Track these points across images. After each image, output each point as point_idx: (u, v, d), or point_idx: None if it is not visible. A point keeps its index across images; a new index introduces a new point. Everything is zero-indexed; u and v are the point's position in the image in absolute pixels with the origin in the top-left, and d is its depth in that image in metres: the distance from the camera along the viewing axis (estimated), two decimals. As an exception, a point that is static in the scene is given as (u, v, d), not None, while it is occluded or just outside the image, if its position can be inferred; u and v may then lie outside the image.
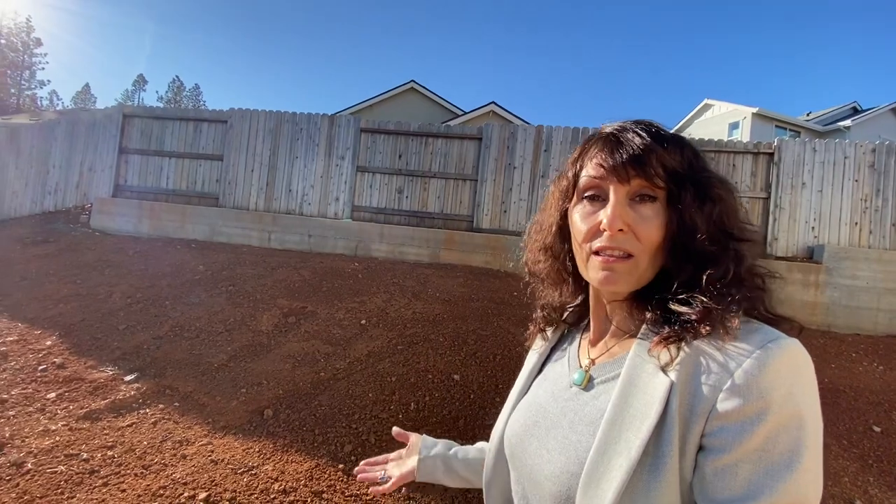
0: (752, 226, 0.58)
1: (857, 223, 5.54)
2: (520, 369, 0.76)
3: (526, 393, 0.69)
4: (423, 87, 13.34)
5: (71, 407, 2.93)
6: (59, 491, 2.19)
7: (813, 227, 5.62)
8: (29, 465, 2.34)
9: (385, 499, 2.31)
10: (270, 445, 2.65)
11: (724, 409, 0.44)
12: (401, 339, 3.99)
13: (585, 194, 0.58)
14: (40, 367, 3.36)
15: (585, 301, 0.67)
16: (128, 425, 2.78)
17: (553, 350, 0.72)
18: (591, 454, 0.49)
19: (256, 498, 2.21)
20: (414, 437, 0.88)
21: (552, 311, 0.72)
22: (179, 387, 3.23)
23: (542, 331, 0.74)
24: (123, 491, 2.20)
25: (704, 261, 0.52)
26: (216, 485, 2.27)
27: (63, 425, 2.73)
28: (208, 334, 3.98)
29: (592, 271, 0.57)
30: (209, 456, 2.51)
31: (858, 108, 21.48)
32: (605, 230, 0.54)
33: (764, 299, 0.53)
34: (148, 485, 2.24)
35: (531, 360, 0.74)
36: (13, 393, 3.04)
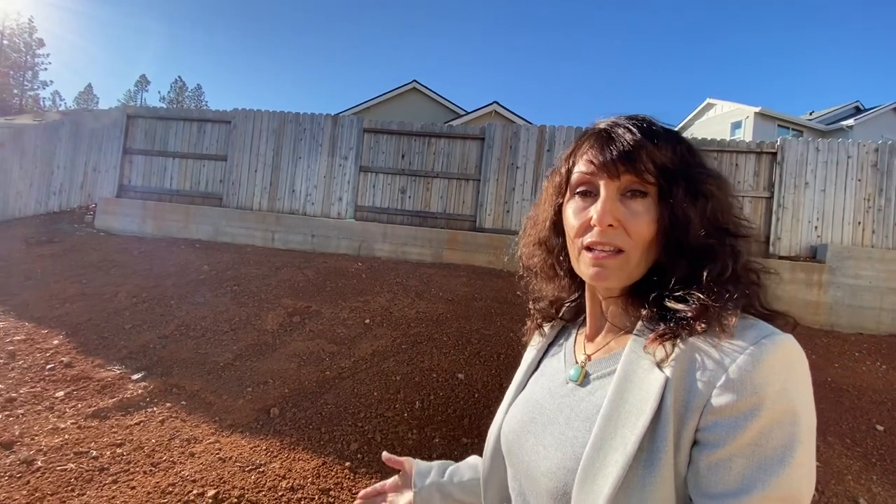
0: (748, 221, 0.58)
1: (860, 223, 5.55)
2: None
3: (523, 389, 0.69)
4: (426, 87, 13.36)
5: (79, 405, 2.96)
6: (70, 488, 2.21)
7: (816, 227, 5.62)
8: (39, 463, 2.37)
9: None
10: (277, 443, 2.67)
11: (719, 405, 0.45)
12: (405, 338, 4.02)
13: (577, 190, 0.59)
14: (48, 366, 3.39)
15: (582, 296, 0.67)
16: (136, 423, 2.81)
17: (550, 346, 0.73)
18: (587, 450, 0.50)
19: (265, 495, 2.24)
20: (407, 465, 0.82)
21: (549, 306, 0.73)
22: (186, 385, 3.25)
23: (540, 326, 0.74)
24: (133, 488, 2.23)
25: (699, 256, 0.52)
26: (224, 482, 2.29)
27: (72, 423, 2.76)
28: (214, 333, 4.01)
29: (584, 267, 0.57)
30: (217, 454, 2.54)
31: (861, 107, 21.42)
32: (595, 226, 0.55)
33: (759, 295, 0.54)
34: (157, 482, 2.27)
35: (529, 356, 0.74)
36: (22, 392, 3.07)
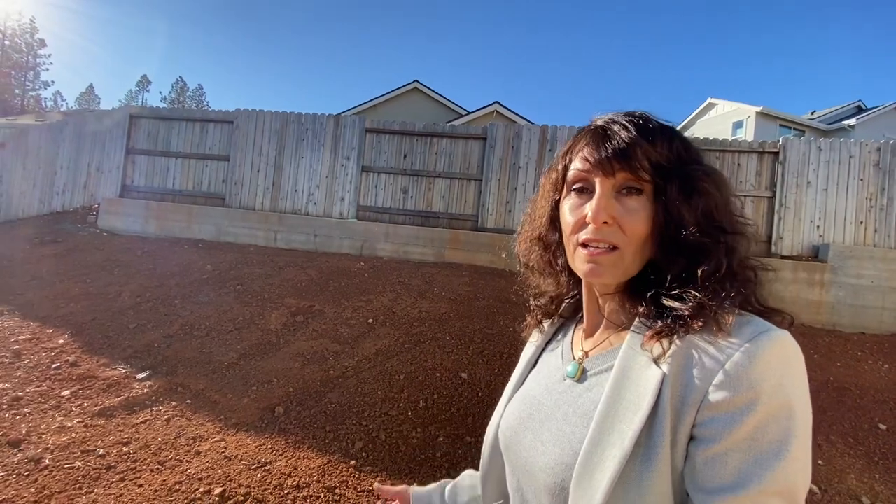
0: (745, 218, 0.58)
1: (862, 222, 5.55)
2: None
3: (521, 386, 0.69)
4: (427, 87, 13.37)
5: (85, 404, 2.98)
6: (77, 486, 2.23)
7: (818, 226, 5.63)
8: (46, 461, 2.39)
9: (397, 494, 2.35)
10: (282, 442, 2.69)
11: (715, 400, 0.45)
12: (408, 337, 4.03)
13: (574, 187, 0.59)
14: (54, 365, 3.41)
15: (580, 293, 0.67)
16: (142, 422, 2.83)
17: (548, 343, 0.73)
18: (585, 445, 0.50)
19: (271, 493, 2.25)
20: (403, 495, 0.80)
21: (549, 303, 0.73)
22: (191, 384, 3.27)
23: (540, 323, 0.75)
24: (140, 486, 2.24)
25: (695, 254, 0.52)
26: (230, 480, 2.31)
27: (78, 422, 2.78)
28: (218, 333, 4.03)
29: (579, 263, 0.58)
30: (223, 452, 2.55)
31: (863, 106, 21.41)
32: (590, 223, 0.55)
33: (756, 292, 0.54)
34: (164, 480, 2.28)
35: (527, 352, 0.74)
36: (28, 390, 3.09)
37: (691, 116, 23.09)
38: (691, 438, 0.47)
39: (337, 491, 2.33)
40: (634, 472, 0.47)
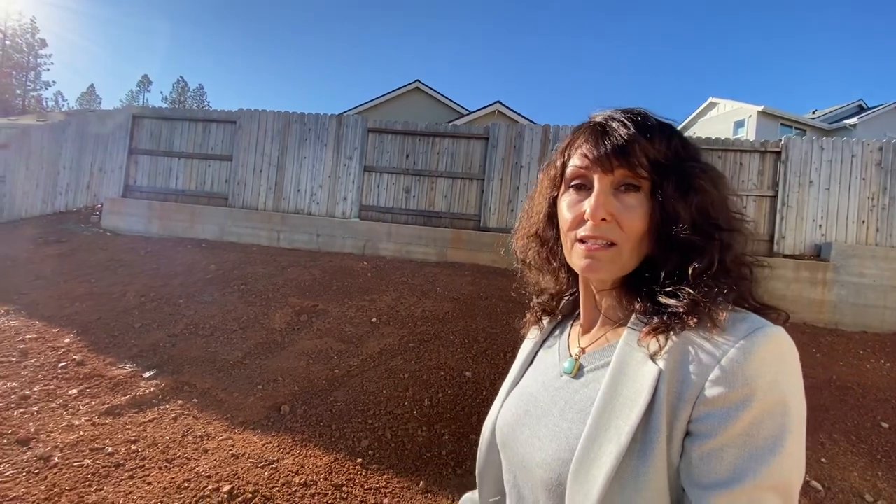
0: (742, 215, 0.58)
1: (864, 221, 5.56)
2: None
3: (518, 382, 0.70)
4: (428, 87, 13.38)
5: (93, 403, 3.00)
6: (87, 483, 2.25)
7: (820, 226, 5.63)
8: (56, 459, 2.41)
9: (404, 491, 2.37)
10: (289, 440, 2.71)
11: (711, 396, 0.45)
12: (412, 336, 4.05)
13: (572, 183, 0.59)
14: (60, 364, 3.43)
15: (578, 290, 0.67)
16: (149, 420, 2.85)
17: (545, 339, 0.73)
18: (582, 441, 0.50)
19: (278, 491, 2.27)
20: None
21: (549, 300, 0.73)
22: (197, 383, 3.29)
23: (539, 320, 0.74)
24: (149, 484, 2.26)
25: (689, 251, 0.53)
26: (238, 478, 2.33)
27: (86, 420, 2.80)
28: (223, 332, 4.05)
29: (576, 258, 0.58)
30: (230, 450, 2.57)
31: (864, 105, 21.40)
32: (588, 219, 0.55)
33: (751, 289, 0.54)
34: (173, 478, 2.30)
35: (525, 349, 0.74)
36: (35, 389, 3.11)
37: (693, 116, 23.08)
38: (687, 434, 0.47)
39: (344, 489, 2.35)
40: (631, 468, 0.47)
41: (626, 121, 0.56)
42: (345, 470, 2.49)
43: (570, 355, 0.63)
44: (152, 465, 2.42)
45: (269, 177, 7.05)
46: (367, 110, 12.99)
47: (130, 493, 2.19)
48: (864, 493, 2.72)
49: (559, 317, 0.73)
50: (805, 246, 5.65)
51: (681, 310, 0.50)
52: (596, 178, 0.56)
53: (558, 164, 0.63)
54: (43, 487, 2.20)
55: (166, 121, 7.54)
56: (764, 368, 0.45)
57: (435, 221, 6.63)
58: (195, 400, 3.11)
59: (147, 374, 3.38)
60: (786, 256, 5.59)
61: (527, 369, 0.71)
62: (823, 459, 2.97)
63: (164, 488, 2.22)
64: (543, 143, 6.42)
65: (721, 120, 21.10)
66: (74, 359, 3.52)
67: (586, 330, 0.64)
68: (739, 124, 20.04)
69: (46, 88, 42.61)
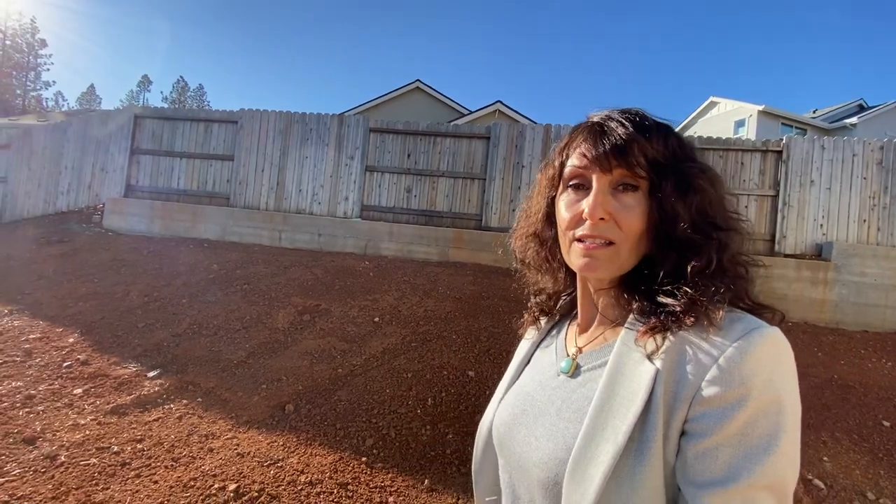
0: (738, 215, 0.58)
1: (865, 220, 5.57)
2: None
3: (515, 382, 0.69)
4: (429, 87, 13.39)
5: (98, 402, 3.01)
6: (94, 482, 2.26)
7: (821, 225, 5.64)
8: (62, 458, 2.42)
9: (409, 490, 2.38)
10: (294, 439, 2.72)
11: (707, 395, 0.45)
12: (414, 336, 4.06)
13: (570, 183, 0.59)
14: (65, 364, 3.44)
15: (576, 289, 0.67)
16: (154, 420, 2.86)
17: (542, 339, 0.73)
18: (579, 440, 0.50)
19: (284, 489, 2.28)
20: None
21: (547, 300, 0.73)
22: (201, 383, 3.30)
23: (537, 320, 0.74)
24: (156, 482, 2.27)
25: (687, 250, 0.53)
26: (244, 477, 2.34)
27: (92, 420, 2.81)
28: (226, 332, 4.06)
29: (574, 258, 0.58)
30: (235, 449, 2.59)
31: (865, 105, 21.40)
32: (586, 219, 0.55)
33: (747, 288, 0.55)
34: (179, 476, 2.32)
35: (522, 348, 0.74)
36: (40, 389, 3.12)
37: (693, 115, 23.08)
38: (683, 433, 0.47)
39: (349, 487, 2.36)
40: (627, 467, 0.47)
41: (623, 121, 0.57)
42: (350, 469, 2.50)
43: (567, 355, 0.63)
44: (158, 463, 2.43)
45: (270, 177, 7.06)
46: (367, 110, 13.00)
47: (137, 491, 2.20)
48: (867, 491, 2.74)
49: (556, 317, 0.73)
50: (806, 245, 5.66)
51: (678, 309, 0.50)
52: (594, 177, 0.56)
53: (556, 164, 0.63)
54: (50, 486, 2.21)
55: (168, 121, 7.55)
56: (760, 368, 0.46)
57: (436, 221, 6.64)
58: (200, 399, 3.12)
59: (151, 374, 3.39)
60: (787, 256, 5.60)
61: (524, 369, 0.71)
62: (826, 458, 2.98)
63: (171, 487, 2.23)
64: (545, 143, 6.42)
65: (721, 119, 21.11)
66: (79, 358, 3.53)
67: (583, 329, 0.64)
68: (740, 124, 20.04)
69: (46, 88, 42.64)
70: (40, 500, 2.11)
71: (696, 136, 6.33)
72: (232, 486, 2.25)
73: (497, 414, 0.67)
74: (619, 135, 0.55)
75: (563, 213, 0.59)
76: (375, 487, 2.38)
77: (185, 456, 2.51)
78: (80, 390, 3.13)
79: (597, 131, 0.57)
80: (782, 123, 18.93)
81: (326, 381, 3.37)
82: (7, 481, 2.21)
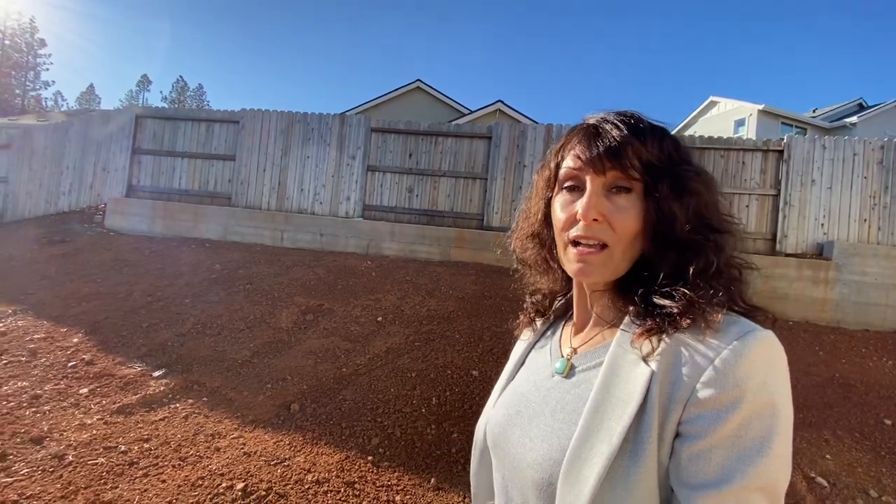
0: (732, 218, 0.59)
1: (866, 220, 5.58)
2: None
3: (511, 383, 0.69)
4: (429, 87, 13.39)
5: (104, 402, 3.02)
6: (102, 481, 2.28)
7: (822, 224, 5.66)
8: (70, 458, 2.43)
9: (416, 488, 2.39)
10: (300, 438, 2.73)
11: (702, 398, 0.46)
12: (417, 335, 4.07)
13: (565, 184, 0.60)
14: (70, 364, 3.45)
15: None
16: (160, 419, 2.87)
17: (538, 340, 0.73)
18: (574, 441, 0.50)
19: (291, 488, 2.29)
20: None
21: (542, 300, 0.74)
22: (206, 382, 3.31)
23: (532, 321, 0.75)
24: (164, 481, 2.29)
25: (685, 251, 0.53)
26: (252, 475, 2.35)
27: (98, 419, 2.82)
28: (230, 331, 4.07)
29: (568, 262, 0.58)
30: (242, 448, 2.60)
31: (864, 104, 21.44)
32: (580, 220, 0.56)
33: (741, 290, 0.55)
34: (186, 475, 2.33)
35: (518, 349, 0.74)
36: (46, 388, 3.13)
37: (693, 114, 23.11)
38: (677, 435, 0.47)
39: (356, 486, 2.37)
40: (622, 468, 0.47)
41: (618, 123, 0.57)
42: (356, 468, 2.52)
43: (562, 355, 0.64)
44: (166, 463, 2.44)
45: (272, 176, 7.07)
46: (367, 110, 13.00)
47: (146, 490, 2.21)
48: (869, 489, 2.75)
49: (552, 318, 0.74)
50: (807, 245, 5.68)
51: (675, 310, 0.51)
52: (588, 179, 0.57)
53: (552, 165, 0.63)
54: (59, 485, 2.22)
55: (169, 121, 7.55)
56: (754, 371, 0.46)
57: (438, 221, 6.66)
58: (205, 399, 3.13)
59: (157, 374, 3.40)
60: (788, 255, 5.61)
61: (519, 370, 0.71)
62: (828, 456, 3.00)
63: (179, 486, 2.25)
64: (546, 143, 6.43)
65: (721, 119, 21.13)
66: (84, 358, 3.54)
67: (578, 330, 0.65)
68: (740, 123, 20.07)
69: (46, 88, 42.59)
70: (49, 500, 2.13)
71: (696, 135, 6.33)
72: (240, 485, 2.26)
73: (492, 415, 0.67)
74: (613, 137, 0.56)
75: (558, 213, 0.60)
76: (382, 486, 2.39)
77: (192, 455, 2.52)
78: (85, 390, 3.14)
79: (591, 133, 0.58)
80: (782, 123, 18.97)
81: (331, 380, 3.38)
82: (16, 480, 2.22)
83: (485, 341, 4.00)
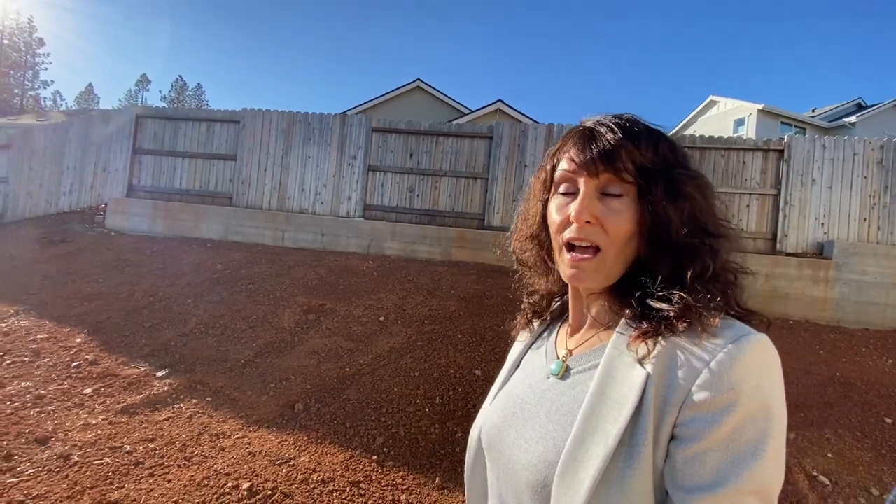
0: (727, 222, 0.59)
1: (865, 219, 5.60)
2: None
3: (506, 384, 0.70)
4: (430, 86, 13.38)
5: (108, 402, 3.03)
6: (108, 481, 2.28)
7: (822, 224, 5.68)
8: (75, 458, 2.44)
9: (420, 488, 2.41)
10: (304, 438, 2.74)
11: (697, 401, 0.46)
12: (420, 335, 4.08)
13: (560, 187, 0.60)
14: (73, 364, 3.46)
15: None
16: (165, 419, 2.88)
17: (534, 341, 0.73)
18: (569, 443, 0.50)
19: (297, 488, 2.30)
20: None
21: (539, 301, 0.74)
22: (210, 382, 3.32)
23: (529, 322, 0.75)
24: (170, 481, 2.30)
25: (681, 255, 0.53)
26: (257, 475, 2.36)
27: (103, 419, 2.83)
28: (233, 331, 4.08)
29: (562, 267, 0.59)
30: (246, 448, 2.61)
31: (863, 104, 21.47)
32: (573, 222, 0.56)
33: (736, 294, 0.55)
34: (192, 475, 2.34)
35: (514, 351, 0.74)
36: (50, 389, 3.14)
37: (693, 114, 23.11)
38: (672, 437, 0.48)
39: (361, 485, 2.38)
40: (617, 471, 0.47)
41: (613, 126, 0.57)
42: (361, 467, 2.53)
43: (558, 357, 0.64)
44: (171, 462, 2.45)
45: (273, 176, 7.07)
46: (367, 109, 12.99)
47: (152, 490, 2.22)
48: (871, 487, 2.77)
49: (548, 319, 0.74)
50: (807, 244, 5.69)
51: (671, 314, 0.51)
52: (581, 181, 0.57)
53: (548, 168, 0.64)
54: (65, 485, 2.23)
55: (170, 121, 7.55)
56: (749, 374, 0.46)
57: (439, 220, 6.66)
58: (209, 399, 3.14)
59: (160, 374, 3.40)
60: (788, 255, 5.63)
61: (514, 371, 0.71)
62: (830, 454, 3.01)
63: (185, 486, 2.25)
64: (547, 143, 6.44)
65: (721, 118, 21.15)
66: (87, 358, 3.55)
67: (574, 332, 0.65)
68: (739, 122, 20.09)
69: (44, 88, 42.48)
70: (56, 500, 2.13)
71: (697, 135, 6.35)
72: (245, 485, 2.27)
73: (487, 417, 0.67)
74: (607, 140, 0.56)
75: (553, 216, 0.60)
76: (387, 485, 2.40)
77: (197, 455, 2.53)
78: (89, 390, 3.15)
79: (586, 136, 0.58)
80: (782, 122, 18.99)
81: (334, 380, 3.39)
82: (22, 481, 2.23)
83: (487, 341, 4.01)
